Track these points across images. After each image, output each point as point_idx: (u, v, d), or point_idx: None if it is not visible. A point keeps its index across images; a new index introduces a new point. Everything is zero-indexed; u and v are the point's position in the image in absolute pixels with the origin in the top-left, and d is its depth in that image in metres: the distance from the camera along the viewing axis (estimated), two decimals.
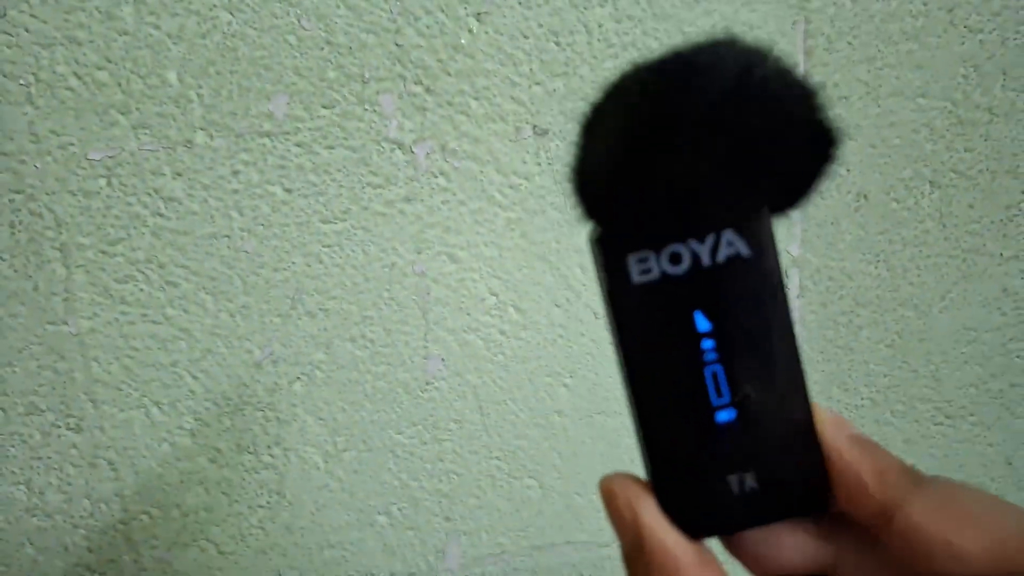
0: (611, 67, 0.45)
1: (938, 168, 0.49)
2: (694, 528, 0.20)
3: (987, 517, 0.18)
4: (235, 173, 0.44)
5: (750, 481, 0.20)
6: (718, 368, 0.19)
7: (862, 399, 0.53)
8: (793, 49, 0.46)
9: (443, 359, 0.49)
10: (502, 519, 0.52)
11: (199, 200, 0.45)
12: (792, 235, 0.50)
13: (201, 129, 0.44)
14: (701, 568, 0.19)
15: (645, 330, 0.19)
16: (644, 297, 0.19)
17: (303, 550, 0.51)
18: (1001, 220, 0.51)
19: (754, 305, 0.19)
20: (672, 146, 0.17)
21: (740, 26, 0.45)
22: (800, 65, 0.46)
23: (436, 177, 0.46)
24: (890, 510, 0.18)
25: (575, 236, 0.48)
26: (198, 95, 0.43)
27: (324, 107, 0.44)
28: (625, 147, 0.18)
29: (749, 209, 0.19)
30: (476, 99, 0.45)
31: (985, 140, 0.49)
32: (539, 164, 0.46)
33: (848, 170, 0.49)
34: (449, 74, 0.44)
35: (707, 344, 0.19)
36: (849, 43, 0.47)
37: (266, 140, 0.44)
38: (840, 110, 0.47)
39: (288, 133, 0.44)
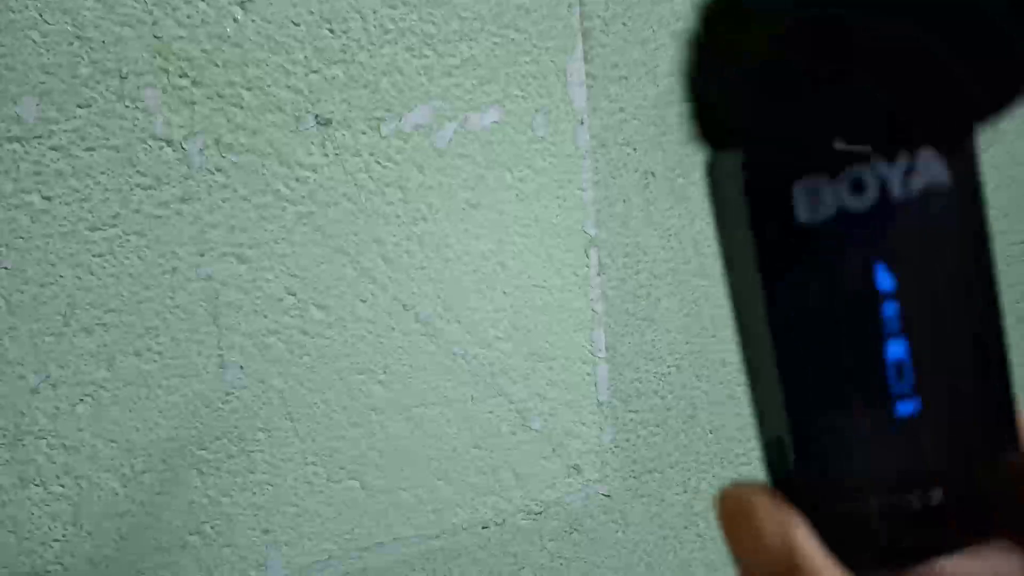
0: (390, 52, 0.45)
1: None
2: (863, 562, 0.15)
3: None
4: None
5: (936, 496, 0.15)
6: (902, 343, 0.15)
7: (668, 367, 0.56)
8: (571, 31, 0.47)
9: (241, 366, 0.46)
10: (325, 524, 0.51)
11: None
12: (587, 213, 0.51)
13: None
14: None
15: (806, 290, 0.14)
16: (810, 243, 0.14)
17: None
18: None
19: (953, 258, 0.14)
20: (857, 23, 0.12)
21: (514, 10, 0.45)
22: (577, 48, 0.47)
23: (213, 173, 0.43)
24: None
25: (373, 226, 0.47)
26: None
27: (79, 106, 0.41)
28: (791, 37, 0.13)
29: (956, 122, 0.14)
30: (248, 89, 0.43)
31: None
32: (326, 155, 0.45)
33: (634, 149, 0.50)
34: (216, 65, 0.42)
35: (889, 309, 0.14)
36: (624, 24, 0.48)
37: (16, 146, 0.40)
38: (619, 90, 0.49)
39: (41, 137, 0.41)
